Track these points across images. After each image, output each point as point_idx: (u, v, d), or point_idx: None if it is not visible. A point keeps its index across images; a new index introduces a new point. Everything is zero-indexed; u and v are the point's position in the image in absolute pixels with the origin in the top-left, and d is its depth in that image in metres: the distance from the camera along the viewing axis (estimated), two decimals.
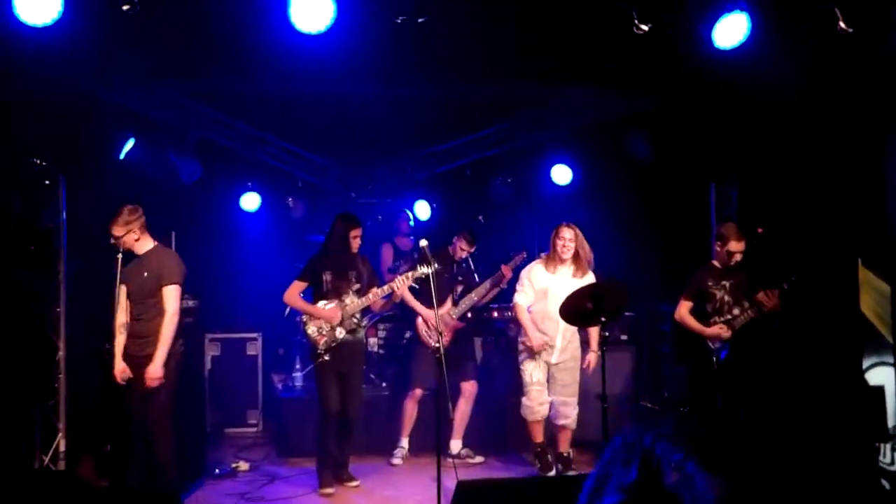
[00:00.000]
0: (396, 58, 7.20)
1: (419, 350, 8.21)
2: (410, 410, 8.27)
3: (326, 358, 7.14)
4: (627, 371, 8.87)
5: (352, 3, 6.05)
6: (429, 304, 7.89)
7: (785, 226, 8.06)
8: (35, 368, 7.65)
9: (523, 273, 7.83)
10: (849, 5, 6.00)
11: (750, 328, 7.35)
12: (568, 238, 7.58)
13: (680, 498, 2.24)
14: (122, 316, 6.51)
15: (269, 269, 10.06)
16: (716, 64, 6.88)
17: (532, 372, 7.66)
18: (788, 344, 7.91)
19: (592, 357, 7.62)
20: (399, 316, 8.90)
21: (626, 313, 8.65)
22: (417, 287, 7.64)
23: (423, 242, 6.98)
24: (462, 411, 8.15)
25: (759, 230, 7.68)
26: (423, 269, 6.89)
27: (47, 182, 7.77)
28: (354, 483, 7.38)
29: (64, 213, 7.84)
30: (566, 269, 7.63)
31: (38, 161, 7.66)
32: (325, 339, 7.15)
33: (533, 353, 7.62)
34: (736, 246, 7.32)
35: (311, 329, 7.20)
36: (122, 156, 8.29)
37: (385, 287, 7.22)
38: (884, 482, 6.84)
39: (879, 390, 7.05)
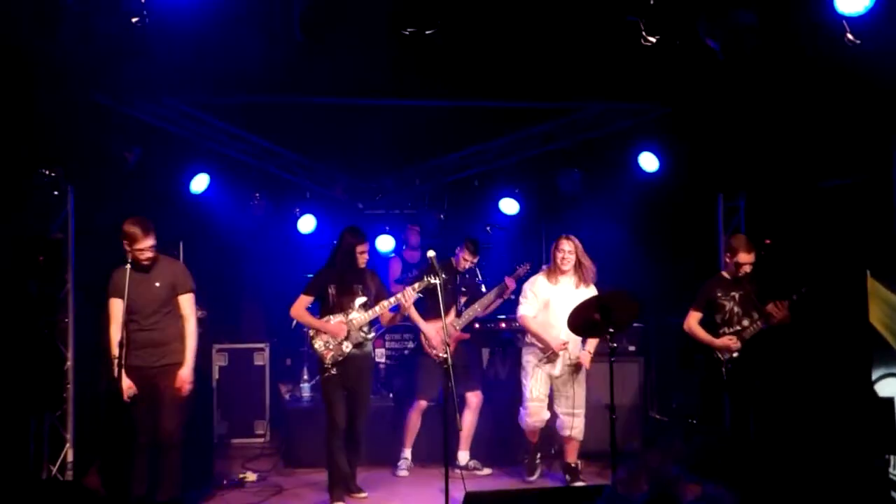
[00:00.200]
0: (405, 69, 7.20)
1: (423, 361, 8.22)
2: (414, 422, 8.27)
3: (333, 372, 7.12)
4: (636, 382, 8.84)
5: (361, 15, 6.06)
6: (436, 315, 7.92)
7: (793, 237, 8.05)
8: (43, 379, 7.66)
9: (526, 285, 7.87)
10: (855, 20, 5.98)
11: (759, 339, 7.33)
12: (567, 250, 7.65)
13: None
14: (118, 333, 6.41)
15: (277, 279, 10.09)
16: (724, 75, 6.87)
17: (533, 387, 7.69)
18: (797, 355, 7.89)
19: (584, 356, 7.64)
20: (403, 327, 8.90)
21: (635, 324, 8.63)
22: (423, 297, 7.63)
23: (431, 253, 6.99)
24: (468, 422, 8.13)
25: (767, 241, 7.66)
26: (430, 280, 6.90)
27: (56, 193, 7.81)
28: (362, 495, 7.36)
29: (72, 224, 7.87)
30: (568, 280, 7.68)
31: (48, 172, 7.69)
32: (331, 353, 7.13)
33: (537, 365, 7.65)
34: (745, 257, 7.31)
35: (318, 343, 7.18)
36: (130, 166, 8.29)
37: (392, 299, 7.20)
38: (894, 494, 6.81)
39: (889, 402, 7.01)
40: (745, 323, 7.35)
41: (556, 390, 7.72)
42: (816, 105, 7.25)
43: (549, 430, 7.98)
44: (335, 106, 8.71)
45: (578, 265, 7.69)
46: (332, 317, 7.18)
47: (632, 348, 8.96)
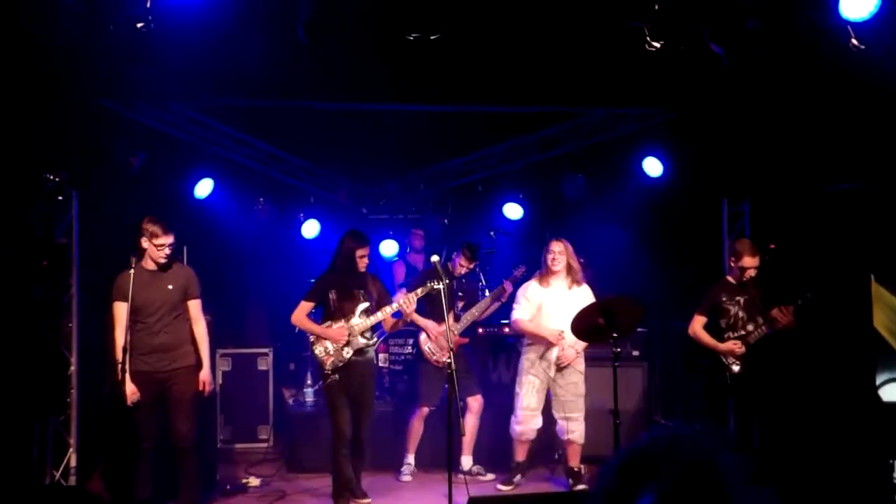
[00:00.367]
0: (410, 75, 7.21)
1: (424, 367, 8.23)
2: (416, 428, 8.28)
3: (335, 378, 7.06)
4: (639, 387, 8.82)
5: (365, 20, 6.07)
6: (435, 321, 7.93)
7: (797, 242, 8.05)
8: (47, 383, 7.66)
9: (519, 291, 7.93)
10: (859, 25, 5.98)
11: (763, 344, 7.32)
12: (557, 251, 7.70)
13: None
14: (122, 337, 6.43)
15: (281, 284, 10.08)
16: (728, 80, 6.87)
17: (525, 396, 7.69)
18: (802, 360, 7.88)
19: (569, 350, 7.62)
20: (406, 332, 8.90)
21: (638, 329, 8.62)
22: (422, 302, 7.61)
23: (435, 258, 6.99)
24: (470, 426, 8.12)
25: (772, 246, 7.66)
26: (433, 284, 6.86)
27: (60, 198, 7.81)
28: (366, 500, 7.34)
29: (76, 229, 7.87)
30: (559, 283, 7.73)
31: (52, 177, 7.70)
32: (332, 359, 7.07)
33: (532, 372, 7.66)
34: (750, 262, 7.31)
35: (319, 349, 7.12)
36: (135, 171, 8.30)
37: (394, 304, 7.15)
38: None
39: (892, 407, 7.01)
40: (750, 328, 7.34)
41: (553, 395, 7.72)
42: (821, 110, 7.25)
43: (551, 435, 7.98)
44: (339, 111, 8.72)
45: (569, 267, 7.73)
46: (333, 322, 7.13)
47: (636, 353, 8.94)
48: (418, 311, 7.81)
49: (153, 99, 8.42)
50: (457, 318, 8.27)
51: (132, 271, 6.41)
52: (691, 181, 9.15)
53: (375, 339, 7.37)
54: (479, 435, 8.31)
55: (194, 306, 6.78)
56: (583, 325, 6.98)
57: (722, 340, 7.38)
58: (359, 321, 7.10)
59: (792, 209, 8.31)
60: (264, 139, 9.97)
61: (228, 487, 7.83)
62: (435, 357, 8.13)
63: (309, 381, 9.19)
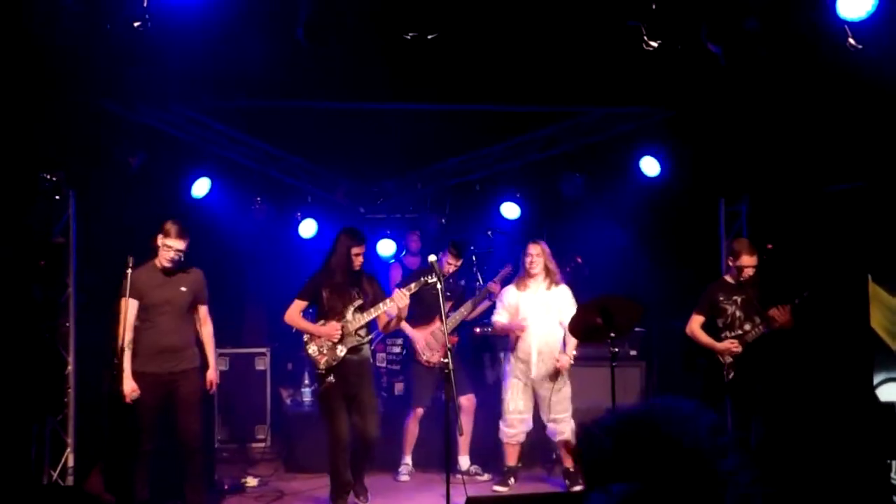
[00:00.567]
0: (405, 73, 7.20)
1: (415, 368, 8.23)
2: (412, 429, 8.28)
3: (331, 380, 6.92)
4: (637, 387, 8.83)
5: (363, 19, 6.07)
6: (424, 322, 7.97)
7: (794, 241, 8.05)
8: (44, 383, 7.66)
9: (502, 296, 7.94)
10: (857, 25, 5.98)
11: (761, 343, 7.33)
12: (535, 254, 7.74)
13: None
14: (128, 333, 6.44)
15: (278, 283, 10.07)
16: (726, 80, 6.88)
17: (511, 400, 7.70)
18: (799, 360, 7.89)
19: (563, 358, 7.62)
20: (399, 331, 8.89)
21: (636, 329, 8.63)
22: (412, 303, 7.52)
23: (433, 258, 6.98)
24: (465, 426, 8.10)
25: (769, 246, 7.67)
26: (426, 279, 6.78)
27: (58, 197, 7.81)
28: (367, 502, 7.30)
29: (74, 229, 7.87)
30: (537, 285, 7.77)
31: (49, 176, 7.70)
32: (325, 358, 6.95)
33: (515, 375, 7.65)
34: (748, 260, 7.32)
35: (312, 348, 7.01)
36: (133, 170, 8.29)
37: (387, 300, 6.99)
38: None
39: (890, 406, 7.02)
40: (748, 327, 7.35)
41: (538, 398, 7.70)
42: (818, 109, 7.26)
43: (545, 438, 7.96)
44: (337, 110, 8.71)
45: (547, 269, 7.76)
46: (326, 321, 7.01)
47: (633, 353, 8.95)
48: (408, 313, 7.79)
49: (152, 99, 8.40)
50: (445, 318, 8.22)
51: (146, 269, 6.46)
52: (689, 181, 9.14)
53: (370, 336, 7.26)
54: (475, 435, 8.30)
55: (204, 310, 6.83)
56: (581, 324, 6.98)
57: (719, 340, 7.39)
58: (352, 318, 6.98)
59: (789, 209, 8.31)
60: (262, 138, 9.95)
61: (226, 487, 7.84)
62: (426, 357, 8.14)
63: (306, 381, 9.19)
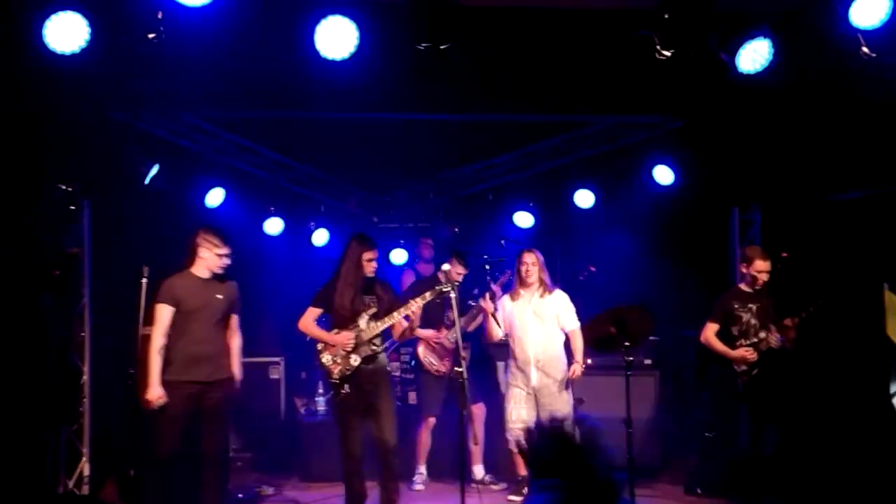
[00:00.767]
0: (419, 84, 7.22)
1: (423, 378, 8.22)
2: (424, 439, 8.27)
3: (346, 390, 6.76)
4: (652, 396, 8.79)
5: (375, 29, 6.09)
6: (438, 329, 7.94)
7: (809, 250, 8.03)
8: (59, 393, 7.70)
9: (498, 306, 7.83)
10: (869, 33, 5.97)
11: (775, 352, 7.30)
12: (530, 262, 7.64)
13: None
14: (161, 339, 6.39)
15: (292, 293, 10.08)
16: (738, 89, 6.87)
17: (514, 409, 7.62)
18: (814, 368, 7.87)
19: (576, 367, 7.49)
20: (410, 340, 8.87)
21: (650, 338, 8.61)
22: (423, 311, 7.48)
23: (446, 267, 6.98)
24: (477, 435, 8.06)
25: (784, 255, 7.65)
26: (441, 289, 6.68)
27: (72, 207, 7.85)
28: None
29: (88, 239, 7.91)
30: (529, 294, 7.68)
31: (64, 187, 7.74)
32: (339, 367, 6.79)
33: (514, 383, 7.61)
34: (762, 265, 7.30)
35: (326, 358, 6.86)
36: (146, 181, 8.34)
37: (402, 309, 6.81)
38: None
39: None
40: (762, 335, 7.32)
41: (540, 406, 7.61)
42: (831, 118, 7.24)
43: None
44: (349, 120, 8.73)
45: (540, 278, 7.67)
46: (340, 329, 6.85)
47: (647, 362, 8.91)
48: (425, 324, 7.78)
49: (165, 110, 8.45)
50: (448, 328, 8.20)
51: (183, 276, 6.50)
52: (702, 190, 9.14)
53: (384, 346, 7.08)
54: (490, 444, 8.28)
55: (236, 320, 6.81)
56: (594, 333, 6.98)
57: (734, 348, 7.37)
58: (366, 327, 6.81)
59: (803, 218, 8.29)
60: (275, 148, 9.99)
61: (240, 496, 7.84)
62: (435, 367, 8.13)
63: (321, 390, 9.19)
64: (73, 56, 5.78)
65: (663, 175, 9.17)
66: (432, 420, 8.21)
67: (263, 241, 10.32)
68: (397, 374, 9.42)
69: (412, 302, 6.78)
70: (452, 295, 6.58)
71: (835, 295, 7.12)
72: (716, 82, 6.94)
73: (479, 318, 8.32)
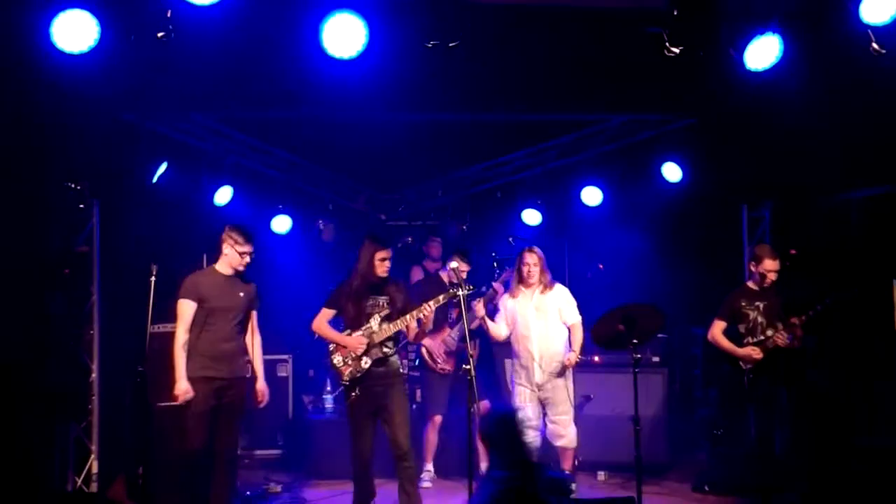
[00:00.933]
0: (428, 82, 7.22)
1: (428, 377, 8.21)
2: (431, 438, 8.28)
3: (356, 394, 6.66)
4: (659, 393, 8.78)
5: (383, 28, 6.09)
6: (437, 329, 7.93)
7: (818, 247, 8.02)
8: (69, 390, 7.71)
9: (499, 305, 7.83)
10: (880, 29, 5.95)
11: (783, 350, 7.28)
12: (532, 263, 7.57)
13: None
14: (184, 335, 6.37)
15: (300, 291, 10.09)
16: (747, 86, 6.86)
17: (520, 407, 7.59)
18: (823, 365, 7.85)
19: (572, 355, 7.47)
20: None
21: (659, 335, 8.60)
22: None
23: (454, 265, 6.95)
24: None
25: (793, 252, 7.64)
26: (455, 291, 6.63)
27: (81, 206, 7.88)
28: None
29: (97, 237, 7.93)
30: (531, 291, 7.63)
31: (73, 185, 7.77)
32: (349, 369, 6.68)
33: (518, 382, 7.59)
34: (771, 264, 7.28)
35: (337, 359, 6.75)
36: (154, 180, 8.36)
37: (414, 312, 6.74)
38: None
39: None
40: (769, 333, 7.31)
41: (543, 401, 7.60)
42: (841, 114, 7.22)
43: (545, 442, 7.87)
44: (358, 118, 8.74)
45: (542, 277, 7.61)
46: (353, 331, 6.74)
47: (656, 359, 8.91)
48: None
49: (174, 109, 8.46)
50: (452, 326, 8.19)
51: (206, 273, 6.53)
52: (711, 187, 9.13)
53: (396, 349, 6.90)
54: None
55: (255, 318, 6.77)
56: (603, 331, 6.98)
57: (741, 346, 7.36)
58: (378, 328, 6.71)
59: (813, 214, 8.28)
60: (283, 147, 10.00)
61: (248, 494, 7.85)
62: (439, 365, 8.13)
63: (328, 388, 9.20)
64: (82, 55, 5.79)
65: (672, 172, 9.15)
66: (438, 418, 8.21)
67: (271, 239, 10.33)
68: (405, 371, 9.41)
69: (425, 305, 6.70)
70: (460, 293, 6.57)
71: (840, 293, 7.07)
72: (725, 79, 6.93)
73: (489, 308, 8.26)
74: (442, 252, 10.24)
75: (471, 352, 6.49)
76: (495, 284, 8.16)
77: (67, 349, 7.77)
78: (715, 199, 9.23)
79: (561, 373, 7.49)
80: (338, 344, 6.78)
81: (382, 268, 6.70)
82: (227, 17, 5.89)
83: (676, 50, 6.33)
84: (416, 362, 8.71)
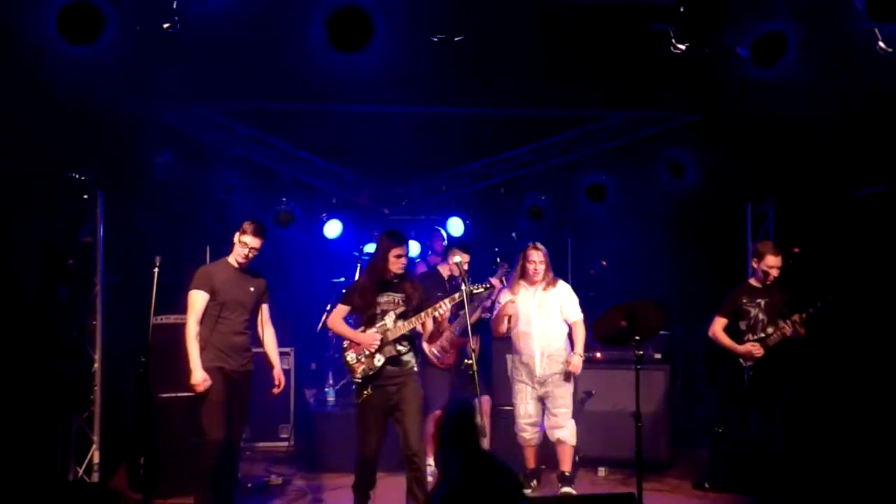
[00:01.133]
0: (432, 76, 7.21)
1: (430, 372, 8.19)
2: (431, 432, 8.24)
3: (368, 392, 6.51)
4: (661, 390, 8.78)
5: (389, 22, 6.09)
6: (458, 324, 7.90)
7: (822, 245, 8.01)
8: (71, 381, 7.73)
9: (499, 299, 7.73)
10: (886, 28, 5.94)
11: (784, 347, 7.28)
12: (538, 261, 7.52)
13: None
14: (195, 326, 6.36)
15: (302, 284, 10.11)
16: (753, 83, 6.85)
17: (521, 405, 7.57)
18: (825, 364, 7.85)
19: (575, 359, 7.44)
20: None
21: (661, 332, 8.59)
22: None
23: (456, 259, 6.91)
24: (484, 427, 7.97)
25: (796, 250, 7.63)
26: (472, 288, 6.60)
27: (86, 197, 7.88)
28: None
29: (101, 228, 7.94)
30: (534, 287, 7.59)
31: (78, 176, 7.77)
32: (362, 366, 6.53)
33: (519, 378, 7.56)
34: (773, 261, 7.29)
35: (350, 356, 6.60)
36: (159, 171, 8.37)
37: (430, 310, 6.63)
38: None
39: None
40: (770, 330, 7.31)
41: (545, 398, 7.57)
42: (846, 113, 7.22)
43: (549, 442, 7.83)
44: (362, 112, 8.74)
45: (546, 274, 7.57)
46: (367, 328, 6.59)
47: (658, 356, 8.91)
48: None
49: (178, 101, 8.47)
50: (451, 321, 8.16)
51: (219, 265, 6.52)
52: (715, 184, 9.12)
53: (411, 347, 6.71)
54: (498, 437, 8.25)
55: (266, 310, 6.77)
56: (606, 328, 6.97)
57: (742, 343, 7.36)
58: (393, 326, 6.55)
59: (816, 212, 8.27)
60: (287, 140, 10.01)
61: (249, 485, 7.87)
62: (440, 360, 8.12)
63: (330, 381, 9.22)
64: (88, 46, 5.79)
65: (677, 169, 9.14)
66: (439, 413, 8.16)
67: (273, 232, 10.31)
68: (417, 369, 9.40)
69: (441, 303, 6.62)
70: (463, 287, 6.55)
71: (844, 290, 7.07)
72: (730, 76, 6.93)
73: (487, 304, 8.22)
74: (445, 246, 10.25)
75: (472, 346, 6.47)
76: (493, 280, 8.11)
77: (70, 340, 7.78)
78: (719, 196, 9.22)
79: (563, 372, 7.48)
80: (351, 341, 6.66)
81: (398, 265, 6.55)
82: (233, 9, 5.91)
83: (682, 47, 6.33)
84: (419, 356, 8.69)
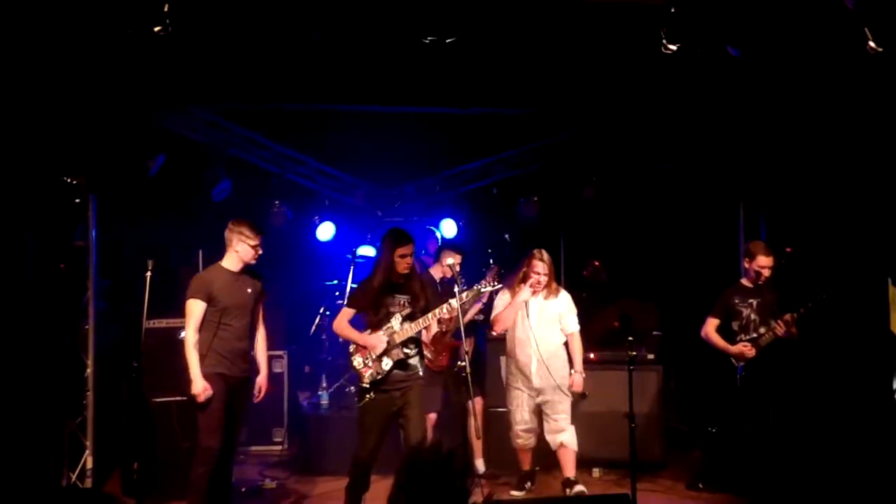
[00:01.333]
0: (426, 78, 7.21)
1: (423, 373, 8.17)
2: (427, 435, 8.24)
3: (371, 396, 6.41)
4: (654, 391, 8.77)
5: (381, 22, 6.09)
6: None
7: (813, 245, 8.03)
8: (63, 385, 7.71)
9: (497, 300, 7.67)
10: (879, 24, 5.96)
11: (776, 347, 7.29)
12: (543, 273, 7.40)
13: None
14: (194, 334, 6.26)
15: (296, 287, 10.10)
16: (744, 83, 6.87)
17: (517, 411, 7.54)
18: (817, 364, 7.86)
19: (577, 378, 7.45)
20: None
21: (654, 333, 8.60)
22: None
23: (450, 261, 6.87)
24: (478, 429, 7.97)
25: (788, 250, 7.65)
26: (479, 288, 6.56)
27: (78, 201, 7.86)
28: None
29: (94, 232, 7.92)
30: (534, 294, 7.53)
31: (70, 180, 7.75)
32: (370, 370, 6.40)
33: (515, 385, 7.53)
34: (764, 261, 7.30)
35: (357, 360, 6.46)
36: (151, 174, 8.36)
37: (435, 311, 6.45)
38: None
39: None
40: (762, 330, 7.33)
41: (541, 404, 7.55)
42: (838, 112, 7.24)
43: (544, 444, 7.81)
44: (356, 113, 8.74)
45: (548, 283, 7.47)
46: (373, 331, 6.46)
47: (651, 356, 8.91)
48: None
49: (172, 102, 8.46)
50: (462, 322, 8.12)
51: (214, 271, 6.44)
52: (707, 185, 9.13)
53: (418, 350, 6.58)
54: (492, 438, 8.25)
55: (260, 310, 6.70)
56: (599, 328, 6.98)
57: (734, 343, 7.37)
58: (400, 329, 6.42)
59: (808, 213, 8.29)
60: (281, 141, 10.00)
61: (243, 490, 7.85)
62: (433, 362, 8.09)
63: (324, 384, 9.21)
64: (80, 49, 5.79)
65: (669, 170, 9.16)
66: (433, 416, 8.14)
67: (267, 235, 10.28)
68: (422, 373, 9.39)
69: (445, 304, 6.47)
70: (456, 288, 6.51)
71: (838, 290, 7.09)
72: (722, 76, 6.94)
73: (479, 306, 8.19)
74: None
75: (465, 349, 6.45)
76: (483, 282, 8.03)
77: (63, 344, 7.76)
78: (711, 196, 9.24)
79: (561, 382, 7.46)
80: (358, 344, 6.52)
81: (403, 265, 6.39)
82: (225, 10, 5.91)
83: (674, 47, 6.34)
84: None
